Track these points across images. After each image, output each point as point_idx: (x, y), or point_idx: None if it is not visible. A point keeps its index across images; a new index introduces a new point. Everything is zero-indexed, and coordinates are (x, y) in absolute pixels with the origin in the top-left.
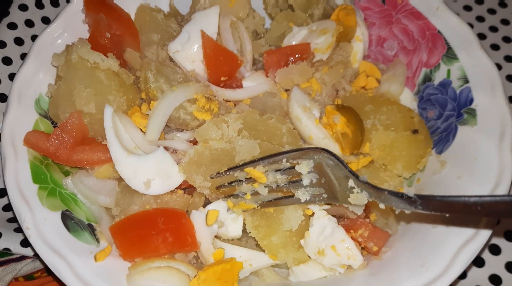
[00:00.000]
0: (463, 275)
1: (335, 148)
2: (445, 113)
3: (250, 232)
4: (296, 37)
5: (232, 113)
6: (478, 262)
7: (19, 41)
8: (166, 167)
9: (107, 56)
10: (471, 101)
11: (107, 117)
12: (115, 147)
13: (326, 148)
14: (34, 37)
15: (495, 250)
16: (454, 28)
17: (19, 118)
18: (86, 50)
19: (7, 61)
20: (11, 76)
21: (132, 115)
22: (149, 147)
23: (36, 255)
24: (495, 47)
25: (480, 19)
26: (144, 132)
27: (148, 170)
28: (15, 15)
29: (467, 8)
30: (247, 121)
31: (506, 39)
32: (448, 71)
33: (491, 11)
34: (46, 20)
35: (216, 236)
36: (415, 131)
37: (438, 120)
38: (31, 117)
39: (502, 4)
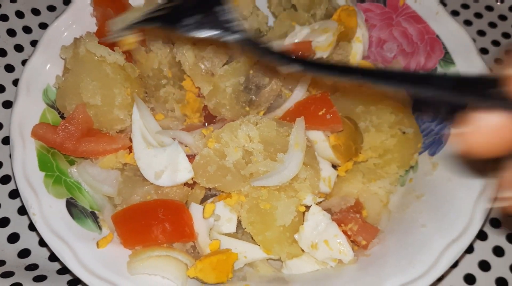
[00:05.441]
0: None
1: (332, 153)
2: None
3: (245, 228)
4: (298, 35)
5: (249, 123)
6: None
7: (27, 30)
8: (177, 161)
9: (114, 50)
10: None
11: (136, 110)
12: (137, 138)
13: (323, 151)
14: (41, 25)
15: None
16: (452, 33)
17: (28, 107)
18: (94, 44)
19: (19, 48)
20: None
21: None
22: (161, 139)
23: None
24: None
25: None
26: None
27: (161, 162)
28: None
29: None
30: (263, 135)
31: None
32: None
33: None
34: (51, 8)
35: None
36: (404, 132)
37: (432, 123)
38: (39, 107)
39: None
